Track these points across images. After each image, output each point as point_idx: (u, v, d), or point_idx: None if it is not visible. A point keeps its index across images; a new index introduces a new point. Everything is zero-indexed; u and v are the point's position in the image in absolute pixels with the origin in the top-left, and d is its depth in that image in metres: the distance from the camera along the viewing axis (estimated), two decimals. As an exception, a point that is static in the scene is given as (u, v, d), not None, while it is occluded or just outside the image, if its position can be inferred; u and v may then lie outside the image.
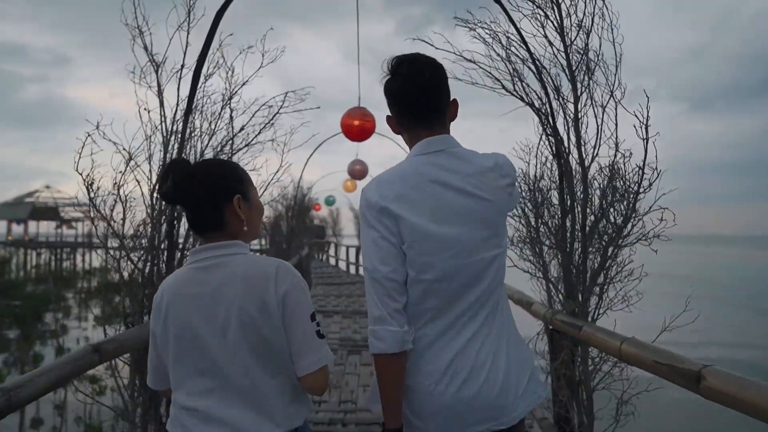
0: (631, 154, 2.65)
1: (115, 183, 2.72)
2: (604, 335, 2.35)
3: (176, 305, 1.40)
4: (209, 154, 3.02)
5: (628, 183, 2.66)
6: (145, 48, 2.82)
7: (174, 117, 2.87)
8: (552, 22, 2.81)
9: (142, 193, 2.82)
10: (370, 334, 1.39)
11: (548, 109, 2.93)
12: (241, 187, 1.46)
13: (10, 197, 43.50)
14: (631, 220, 2.66)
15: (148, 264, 2.83)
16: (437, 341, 1.42)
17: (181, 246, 2.96)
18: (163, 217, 2.86)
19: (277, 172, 3.29)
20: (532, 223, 3.08)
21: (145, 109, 2.81)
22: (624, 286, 2.69)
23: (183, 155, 2.91)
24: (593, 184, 2.80)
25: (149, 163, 2.82)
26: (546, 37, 2.83)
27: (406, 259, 1.40)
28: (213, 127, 3.02)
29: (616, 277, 2.74)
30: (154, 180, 2.79)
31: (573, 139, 2.86)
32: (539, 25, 2.82)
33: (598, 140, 2.75)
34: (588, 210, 2.81)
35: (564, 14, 2.77)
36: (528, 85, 2.92)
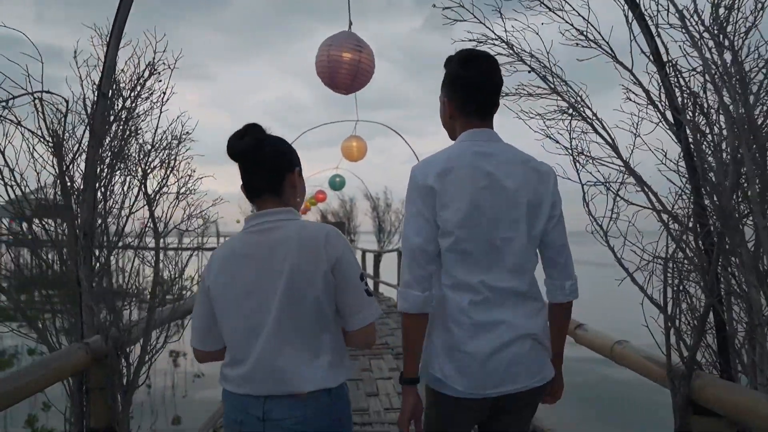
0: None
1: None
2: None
3: (231, 264, 1.49)
4: None
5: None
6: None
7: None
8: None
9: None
10: (399, 295, 1.58)
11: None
12: (299, 164, 1.60)
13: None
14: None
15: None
16: (474, 307, 1.55)
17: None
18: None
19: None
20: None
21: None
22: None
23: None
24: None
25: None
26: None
27: (439, 232, 1.55)
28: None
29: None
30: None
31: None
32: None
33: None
34: None
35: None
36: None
